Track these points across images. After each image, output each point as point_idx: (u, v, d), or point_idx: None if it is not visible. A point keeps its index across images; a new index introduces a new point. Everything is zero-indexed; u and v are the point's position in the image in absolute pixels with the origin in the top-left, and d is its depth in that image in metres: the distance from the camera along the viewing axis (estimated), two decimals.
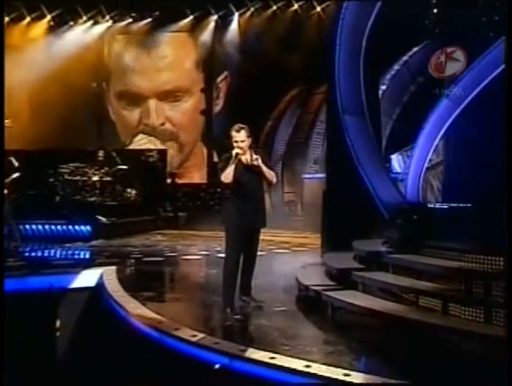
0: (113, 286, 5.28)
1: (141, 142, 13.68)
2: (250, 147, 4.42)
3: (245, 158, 4.36)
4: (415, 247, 4.57)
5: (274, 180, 4.49)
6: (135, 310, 4.44)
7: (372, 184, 6.87)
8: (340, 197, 6.99)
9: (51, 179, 10.95)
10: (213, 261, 6.94)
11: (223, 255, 4.55)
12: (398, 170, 10.69)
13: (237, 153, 4.26)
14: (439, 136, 7.54)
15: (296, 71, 12.02)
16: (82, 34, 13.15)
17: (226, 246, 4.43)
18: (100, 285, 5.57)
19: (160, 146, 13.51)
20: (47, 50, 12.70)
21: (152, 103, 13.51)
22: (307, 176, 12.87)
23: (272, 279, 5.86)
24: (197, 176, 13.58)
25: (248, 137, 4.35)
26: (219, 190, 10.94)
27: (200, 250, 8.43)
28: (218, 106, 13.59)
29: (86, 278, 5.90)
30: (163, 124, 13.60)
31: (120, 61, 13.62)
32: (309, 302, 4.66)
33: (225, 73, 13.43)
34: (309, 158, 13.07)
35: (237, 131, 4.33)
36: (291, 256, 7.94)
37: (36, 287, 5.50)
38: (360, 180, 6.81)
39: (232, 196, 4.41)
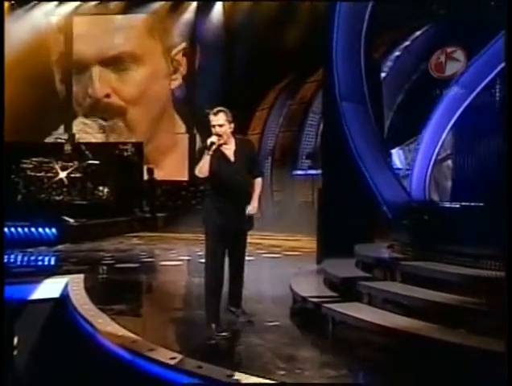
0: (80, 298, 4.97)
1: (79, 128, 12.96)
2: (233, 135, 4.09)
3: (227, 147, 4.04)
4: (428, 252, 4.31)
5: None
6: (104, 326, 4.15)
7: (373, 180, 6.71)
8: (338, 195, 6.82)
9: (12, 176, 10.54)
10: (196, 268, 6.64)
11: None
12: (399, 165, 10.51)
13: (212, 143, 3.91)
14: (449, 127, 7.31)
15: (287, 57, 11.73)
16: (46, 15, 12.68)
17: (206, 250, 4.11)
18: (65, 297, 5.25)
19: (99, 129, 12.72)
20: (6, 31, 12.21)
21: (96, 70, 12.83)
22: (299, 172, 12.67)
23: (262, 288, 5.60)
24: (174, 171, 13.05)
25: (229, 121, 4.01)
26: (202, 187, 10.62)
27: (181, 255, 8.19)
28: (176, 81, 13.07)
29: (49, 288, 5.61)
30: (107, 95, 12.90)
31: (66, 28, 12.97)
32: (306, 316, 4.40)
33: (183, 45, 12.90)
34: (301, 153, 12.85)
35: (215, 114, 3.99)
36: (282, 262, 7.71)
37: None
38: (360, 176, 6.63)
39: (211, 193, 4.11)
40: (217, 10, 12.75)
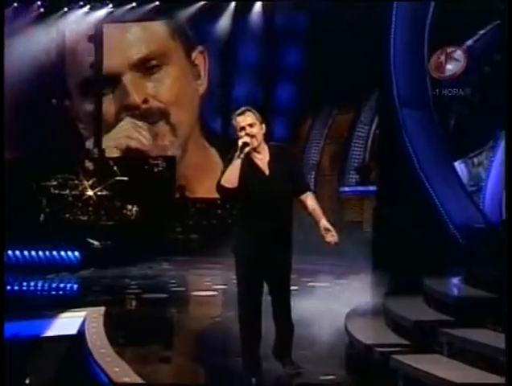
0: (97, 338, 4.46)
1: (124, 128, 12.41)
2: (266, 141, 3.45)
3: (259, 157, 3.41)
4: None
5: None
6: (121, 376, 3.60)
7: (439, 198, 6.20)
8: (396, 215, 6.27)
9: (35, 194, 10.34)
10: (232, 298, 6.07)
11: None
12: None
13: (245, 143, 3.28)
14: None
15: (333, 59, 11.15)
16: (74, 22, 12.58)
17: (238, 286, 3.54)
18: (82, 335, 4.76)
19: (145, 132, 12.31)
20: (33, 40, 12.18)
21: (127, 77, 12.49)
22: (347, 189, 12.11)
23: (310, 327, 4.92)
24: (209, 187, 12.42)
25: (259, 121, 3.39)
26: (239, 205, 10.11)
27: (216, 283, 7.71)
28: (202, 87, 12.62)
29: (66, 323, 5.17)
30: (145, 101, 12.43)
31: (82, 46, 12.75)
32: (369, 368, 3.72)
33: (199, 48, 12.45)
34: (348, 167, 12.25)
35: (241, 114, 3.38)
36: (331, 292, 7.09)
37: None
38: (422, 192, 6.11)
39: (241, 214, 3.49)
40: (257, 11, 12.31)
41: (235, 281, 3.49)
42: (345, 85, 11.64)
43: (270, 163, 3.40)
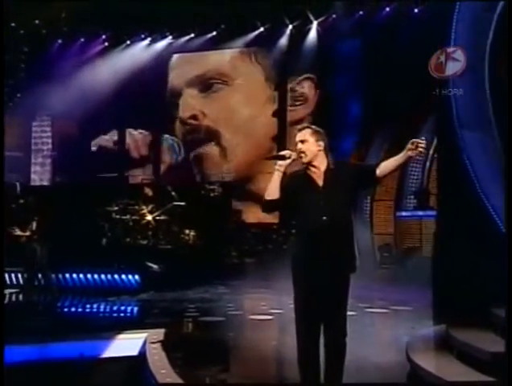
0: (158, 360, 4.53)
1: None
2: (327, 157, 3.38)
3: (315, 170, 3.34)
4: None
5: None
6: None
7: (504, 222, 5.82)
8: (458, 240, 6.06)
9: (98, 219, 10.67)
10: (288, 323, 6.01)
11: None
12: None
13: (282, 156, 3.29)
14: None
15: (390, 83, 11.04)
16: (138, 54, 13.06)
17: (295, 309, 3.39)
18: (142, 355, 4.85)
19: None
20: (99, 72, 12.73)
21: (184, 94, 12.41)
22: (404, 214, 11.86)
23: (368, 356, 4.78)
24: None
25: (316, 139, 3.35)
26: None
27: (272, 307, 7.61)
28: (293, 112, 12.34)
29: (127, 344, 5.26)
30: (193, 116, 12.17)
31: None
32: None
33: (306, 75, 12.03)
34: (406, 192, 11.99)
35: (300, 130, 3.42)
36: (390, 319, 6.90)
37: (62, 356, 4.91)
38: (486, 216, 5.90)
39: (297, 231, 3.40)
40: (312, 37, 12.39)
41: (291, 306, 3.43)
42: (402, 108, 11.54)
43: (325, 174, 3.35)
